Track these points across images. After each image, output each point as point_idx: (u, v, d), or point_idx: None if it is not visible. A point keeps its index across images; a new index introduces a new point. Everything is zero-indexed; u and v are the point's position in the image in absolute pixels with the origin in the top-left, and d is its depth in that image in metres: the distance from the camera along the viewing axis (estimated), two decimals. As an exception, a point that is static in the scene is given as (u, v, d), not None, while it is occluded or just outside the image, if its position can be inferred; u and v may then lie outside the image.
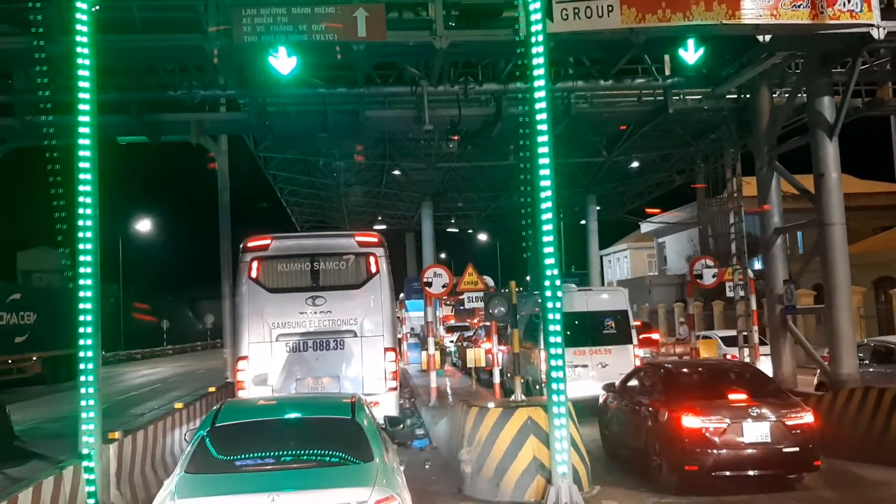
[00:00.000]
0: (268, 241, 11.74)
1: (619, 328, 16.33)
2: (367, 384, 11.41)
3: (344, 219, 35.96)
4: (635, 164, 26.40)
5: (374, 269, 11.78)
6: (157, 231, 62.74)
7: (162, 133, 16.01)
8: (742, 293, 16.77)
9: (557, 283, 8.88)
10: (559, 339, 8.84)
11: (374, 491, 5.50)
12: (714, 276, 17.37)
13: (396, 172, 25.71)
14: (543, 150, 8.93)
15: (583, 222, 42.66)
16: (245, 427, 6.49)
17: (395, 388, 11.85)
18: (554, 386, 8.79)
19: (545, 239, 8.89)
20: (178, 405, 12.33)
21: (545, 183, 8.93)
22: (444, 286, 16.89)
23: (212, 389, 14.98)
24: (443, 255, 41.19)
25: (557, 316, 8.84)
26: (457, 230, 38.12)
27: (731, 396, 9.73)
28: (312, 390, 11.38)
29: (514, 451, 9.37)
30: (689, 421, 9.39)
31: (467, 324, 36.54)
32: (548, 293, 8.83)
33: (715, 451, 9.25)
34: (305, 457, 6.04)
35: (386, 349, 11.71)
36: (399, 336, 33.07)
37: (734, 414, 9.39)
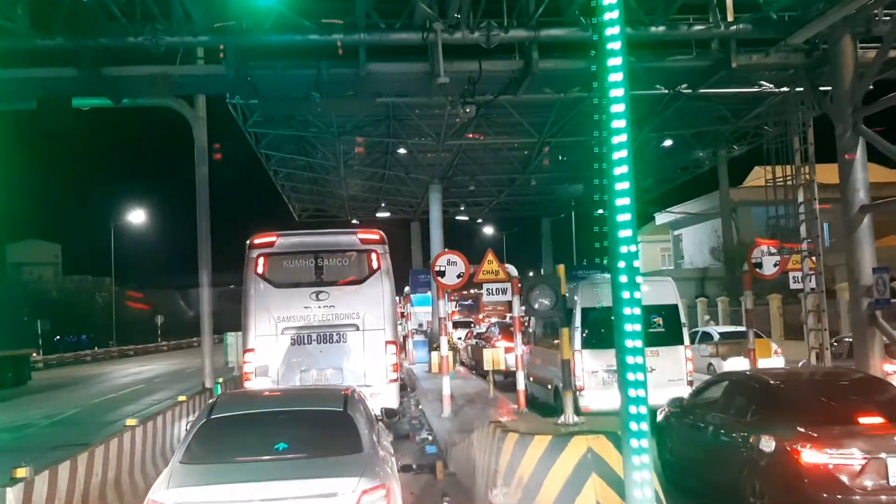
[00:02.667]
0: (273, 239, 12.13)
1: (668, 325, 13.79)
2: (368, 376, 11.69)
3: (344, 206, 33.32)
4: (669, 143, 23.73)
5: (375, 266, 12.12)
6: (151, 220, 59.87)
7: (125, 92, 13.42)
8: (813, 284, 14.18)
9: (636, 263, 6.32)
10: (638, 343, 6.25)
11: (360, 481, 5.66)
12: (776, 265, 14.79)
13: (402, 151, 23.05)
14: (618, 98, 6.31)
15: (600, 212, 40.14)
16: (239, 419, 6.58)
17: (395, 380, 12.18)
18: (632, 409, 6.19)
19: (619, 203, 6.31)
20: (131, 422, 9.80)
21: (619, 137, 6.35)
22: (459, 276, 14.34)
23: (182, 399, 12.42)
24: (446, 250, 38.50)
25: (636, 310, 6.26)
26: (466, 218, 35.32)
27: (864, 420, 7.16)
28: (316, 382, 11.71)
29: (569, 496, 6.79)
30: (811, 456, 6.83)
31: (471, 320, 33.98)
32: (623, 277, 6.25)
33: (849, 498, 6.69)
34: (296, 448, 6.12)
35: (387, 342, 11.98)
36: (404, 333, 30.60)
37: (872, 446, 6.83)
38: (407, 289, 31.14)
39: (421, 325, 30.54)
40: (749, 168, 49.37)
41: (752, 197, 45.62)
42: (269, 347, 11.87)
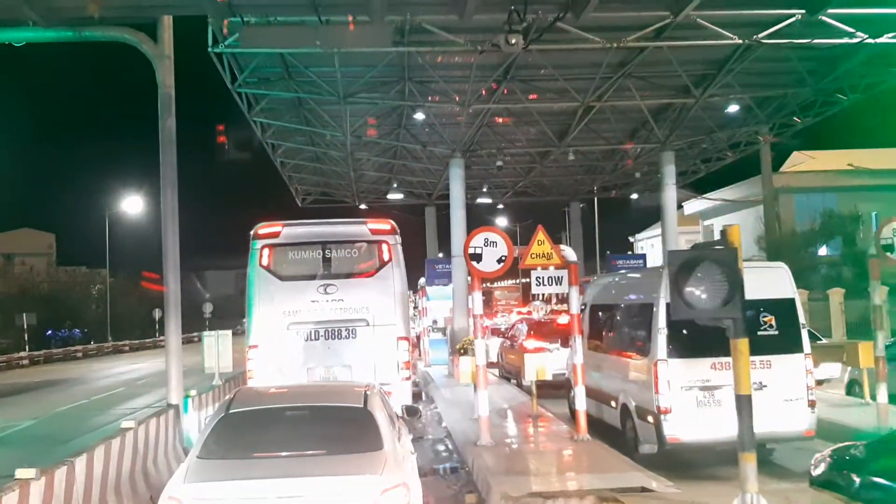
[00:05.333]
0: (279, 229, 11.64)
1: (783, 326, 10.31)
2: (379, 374, 10.95)
3: (352, 188, 29.82)
4: (735, 108, 20.14)
5: (386, 257, 11.63)
6: (151, 207, 56.20)
7: (56, 11, 10.04)
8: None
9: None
10: None
11: (381, 479, 5.51)
12: (913, 248, 11.33)
13: (419, 116, 19.54)
14: None
15: (634, 196, 36.67)
16: (258, 414, 6.49)
17: (408, 378, 11.63)
18: None
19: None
20: (24, 473, 6.38)
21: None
22: (500, 260, 10.96)
23: (127, 426, 9.01)
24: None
25: None
26: (489, 201, 31.62)
27: None
28: (324, 380, 11.13)
29: None
30: None
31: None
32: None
33: None
34: (316, 444, 5.98)
35: (399, 338, 11.44)
36: (418, 331, 27.24)
37: None
38: (422, 280, 27.71)
39: (435, 321, 27.16)
40: (786, 154, 45.96)
41: (795, 183, 42.32)
42: (274, 343, 11.27)
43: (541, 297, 40.33)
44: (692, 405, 10.08)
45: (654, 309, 10.41)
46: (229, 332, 15.13)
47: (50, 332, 54.47)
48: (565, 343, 14.65)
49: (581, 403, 11.06)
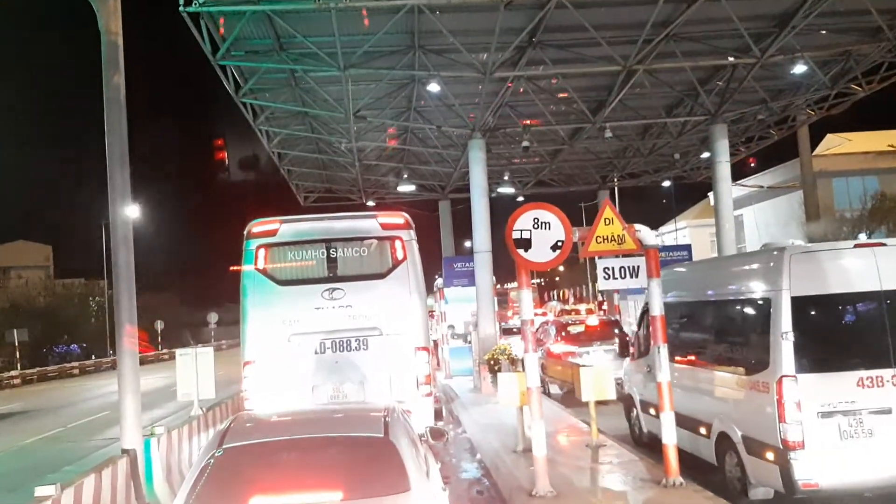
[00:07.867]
0: (276, 226, 10.37)
1: (952, 327, 7.50)
2: (395, 390, 9.80)
3: (357, 181, 27.07)
4: (802, 69, 17.25)
5: (400, 256, 10.38)
6: (152, 214, 53.76)
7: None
8: None
9: None
10: None
11: None
12: None
13: (433, 88, 16.77)
14: None
15: (666, 183, 33.93)
16: (257, 449, 5.47)
17: (429, 394, 10.20)
18: None
19: None
20: None
21: None
22: (556, 247, 8.25)
23: (43, 494, 6.28)
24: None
25: None
26: (511, 191, 28.62)
27: None
28: (332, 399, 9.87)
29: None
30: None
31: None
32: None
33: None
34: (329, 487, 4.99)
35: (417, 349, 10.15)
36: (435, 337, 24.56)
37: None
38: (439, 281, 24.97)
39: (452, 326, 24.44)
40: (819, 138, 43.19)
41: (832, 166, 39.61)
42: (273, 358, 10.04)
43: (555, 297, 37.60)
44: (833, 437, 7.31)
45: (774, 307, 7.63)
46: (210, 349, 12.42)
47: (45, 348, 51.99)
48: (624, 351, 11.88)
49: (671, 436, 8.28)
